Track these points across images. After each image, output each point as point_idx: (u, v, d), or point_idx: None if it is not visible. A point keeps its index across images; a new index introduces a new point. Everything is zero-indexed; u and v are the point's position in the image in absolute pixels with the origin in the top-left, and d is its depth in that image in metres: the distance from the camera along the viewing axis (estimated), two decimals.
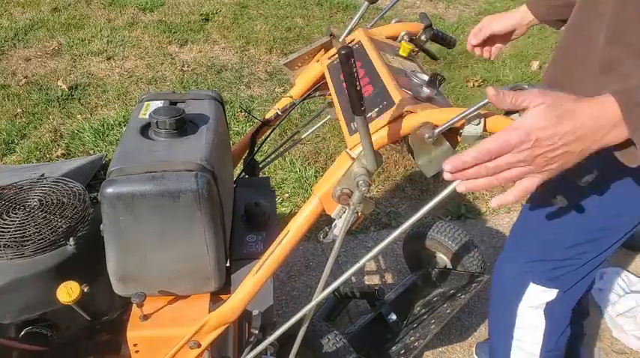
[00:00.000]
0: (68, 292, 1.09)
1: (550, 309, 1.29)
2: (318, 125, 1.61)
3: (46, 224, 1.21)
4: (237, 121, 3.12)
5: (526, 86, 0.88)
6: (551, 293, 1.26)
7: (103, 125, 2.99)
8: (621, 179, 1.07)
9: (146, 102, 1.25)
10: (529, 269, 1.26)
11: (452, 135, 0.97)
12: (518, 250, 1.31)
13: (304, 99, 1.39)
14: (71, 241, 1.19)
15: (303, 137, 1.68)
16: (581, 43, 1.04)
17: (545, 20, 1.34)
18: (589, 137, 0.77)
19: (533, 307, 1.29)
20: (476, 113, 0.92)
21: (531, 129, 0.75)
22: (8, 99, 3.20)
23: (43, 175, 1.38)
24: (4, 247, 1.16)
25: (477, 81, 3.67)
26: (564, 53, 1.11)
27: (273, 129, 1.48)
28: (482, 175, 0.79)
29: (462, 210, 2.55)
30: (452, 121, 0.92)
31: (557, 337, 1.36)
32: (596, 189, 1.08)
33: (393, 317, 1.73)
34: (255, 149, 1.49)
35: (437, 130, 0.92)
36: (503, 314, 1.38)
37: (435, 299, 1.80)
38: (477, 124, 0.94)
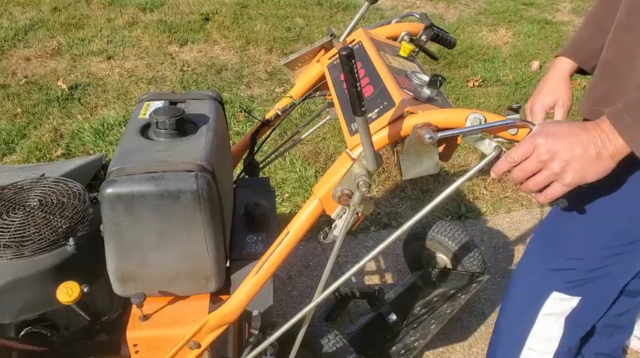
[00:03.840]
0: (68, 292, 1.09)
1: (572, 318, 1.27)
2: (318, 125, 1.61)
3: (45, 224, 1.21)
4: (237, 121, 3.12)
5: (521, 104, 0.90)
6: (573, 302, 1.25)
7: (103, 125, 2.99)
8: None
9: (146, 102, 1.25)
10: (552, 277, 1.25)
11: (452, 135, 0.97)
12: (540, 258, 1.29)
13: (304, 99, 1.39)
14: (71, 241, 1.19)
15: (303, 137, 1.68)
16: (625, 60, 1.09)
17: (586, 65, 1.33)
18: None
19: (554, 315, 1.27)
20: (476, 114, 0.93)
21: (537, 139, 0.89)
22: (8, 99, 3.20)
23: (43, 175, 1.38)
24: (4, 247, 1.16)
25: (477, 81, 3.66)
26: (609, 70, 1.14)
27: (273, 129, 1.47)
28: (520, 177, 0.92)
29: (462, 210, 2.54)
30: (454, 133, 0.93)
31: (569, 348, 1.33)
32: (616, 199, 1.09)
33: (393, 317, 1.73)
34: (255, 149, 1.49)
35: (439, 134, 0.92)
36: (517, 322, 1.35)
37: (435, 299, 1.80)
38: None
